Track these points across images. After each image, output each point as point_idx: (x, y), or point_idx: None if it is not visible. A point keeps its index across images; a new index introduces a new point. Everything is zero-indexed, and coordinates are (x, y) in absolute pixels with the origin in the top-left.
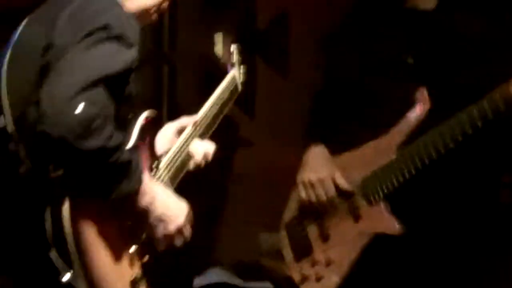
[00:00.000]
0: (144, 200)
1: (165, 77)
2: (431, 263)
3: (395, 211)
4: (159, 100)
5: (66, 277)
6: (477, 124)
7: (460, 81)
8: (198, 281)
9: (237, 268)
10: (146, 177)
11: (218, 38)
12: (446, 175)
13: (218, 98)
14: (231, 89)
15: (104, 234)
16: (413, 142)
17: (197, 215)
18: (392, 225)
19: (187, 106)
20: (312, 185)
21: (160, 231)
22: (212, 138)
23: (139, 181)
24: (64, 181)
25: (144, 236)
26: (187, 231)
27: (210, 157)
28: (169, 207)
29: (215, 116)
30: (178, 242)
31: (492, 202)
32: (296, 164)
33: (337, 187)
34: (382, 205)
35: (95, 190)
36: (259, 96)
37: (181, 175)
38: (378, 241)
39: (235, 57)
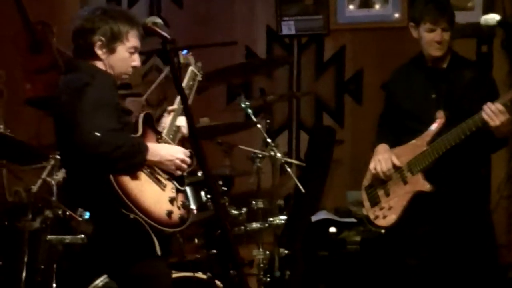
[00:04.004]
0: (155, 156)
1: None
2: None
3: (428, 178)
4: None
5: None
6: (467, 133)
7: (460, 107)
8: (314, 217)
9: (336, 211)
10: (151, 146)
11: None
12: (451, 156)
13: (186, 86)
14: (193, 77)
15: (141, 184)
16: (435, 140)
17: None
18: (426, 186)
19: None
20: (379, 161)
21: (170, 165)
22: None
23: (146, 152)
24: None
25: (166, 175)
26: (187, 158)
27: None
28: (168, 153)
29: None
30: (184, 166)
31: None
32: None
33: (393, 164)
34: (419, 175)
35: (128, 167)
36: (346, 115)
37: (178, 137)
38: (418, 197)
39: (191, 61)
